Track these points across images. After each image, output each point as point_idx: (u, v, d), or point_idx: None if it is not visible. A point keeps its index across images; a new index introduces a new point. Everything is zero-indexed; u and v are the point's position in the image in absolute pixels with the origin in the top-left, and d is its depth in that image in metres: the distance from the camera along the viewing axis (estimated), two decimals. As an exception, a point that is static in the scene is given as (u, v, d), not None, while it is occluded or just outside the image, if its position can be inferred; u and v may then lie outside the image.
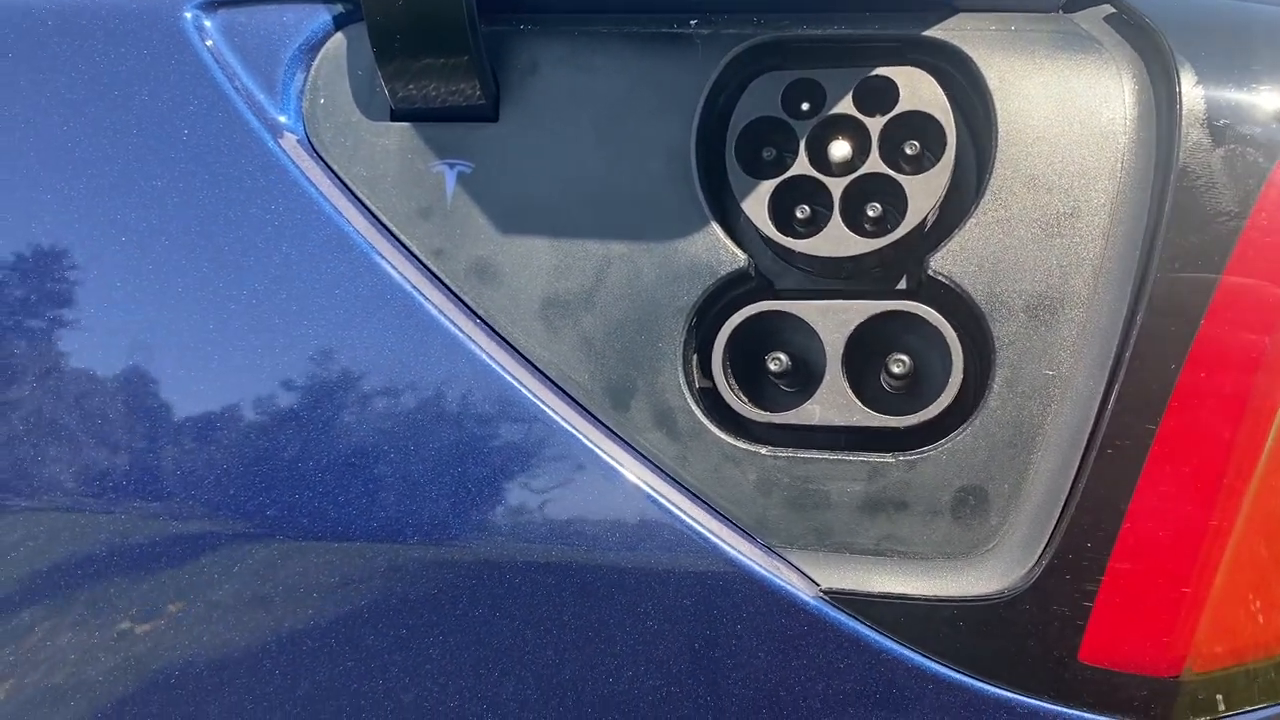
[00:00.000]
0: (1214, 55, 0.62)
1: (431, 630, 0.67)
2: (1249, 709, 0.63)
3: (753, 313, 0.67)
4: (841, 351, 0.65)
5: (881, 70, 0.65)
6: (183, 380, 0.71)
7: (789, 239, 0.66)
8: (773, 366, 0.67)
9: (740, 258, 0.67)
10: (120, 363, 0.72)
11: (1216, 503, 0.60)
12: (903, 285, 0.68)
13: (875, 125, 0.65)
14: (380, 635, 0.68)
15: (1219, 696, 0.62)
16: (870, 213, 0.66)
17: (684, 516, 0.65)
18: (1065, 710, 0.62)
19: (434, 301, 0.69)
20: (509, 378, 0.67)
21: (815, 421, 0.66)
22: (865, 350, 0.67)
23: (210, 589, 0.69)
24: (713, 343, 0.67)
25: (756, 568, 0.65)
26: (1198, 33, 0.63)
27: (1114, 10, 0.66)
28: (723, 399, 0.67)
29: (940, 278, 0.64)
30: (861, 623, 0.64)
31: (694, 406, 0.67)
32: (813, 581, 0.65)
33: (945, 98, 0.64)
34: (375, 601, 0.67)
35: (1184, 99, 0.61)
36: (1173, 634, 0.61)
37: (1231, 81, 0.61)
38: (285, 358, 0.70)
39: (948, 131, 0.64)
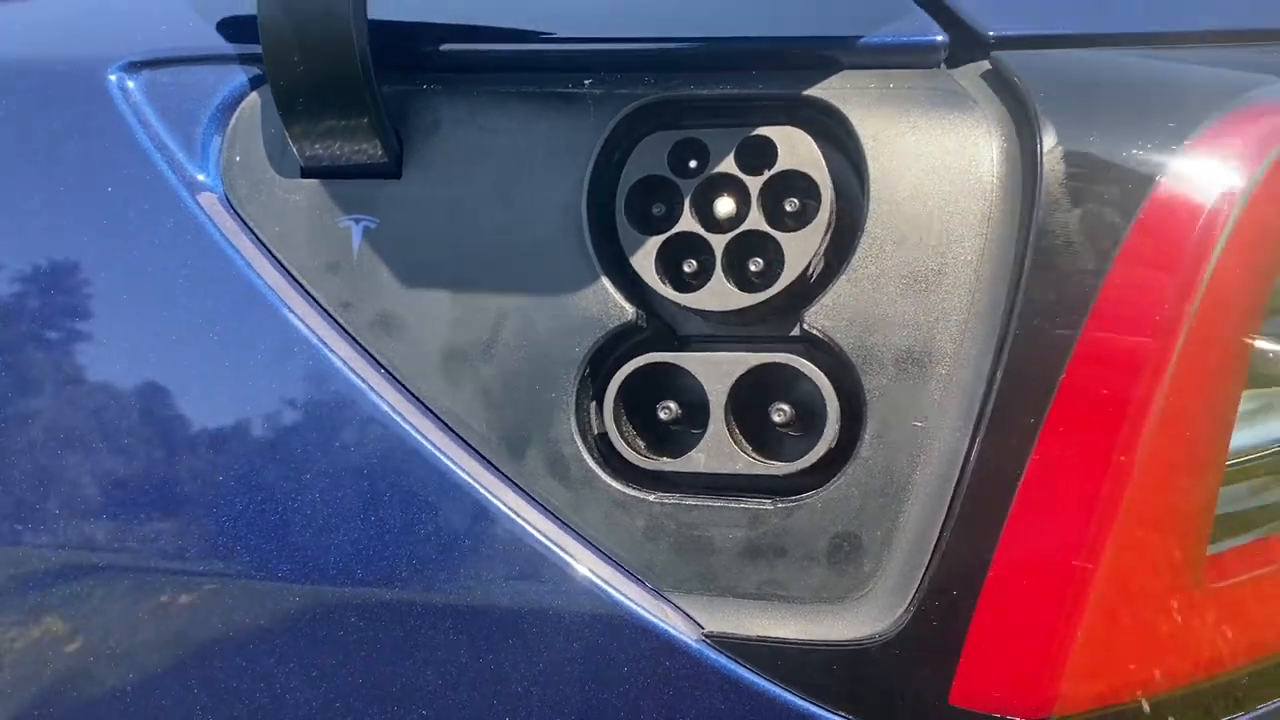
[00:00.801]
0: (1078, 112, 0.64)
1: (335, 671, 0.70)
2: (1115, 750, 0.64)
3: (642, 364, 0.69)
4: (724, 402, 0.67)
5: (761, 130, 0.67)
6: (100, 429, 0.74)
7: (675, 292, 0.68)
8: (663, 415, 0.69)
9: (629, 310, 0.69)
10: (40, 407, 0.75)
11: (1080, 549, 0.62)
12: (796, 333, 0.71)
13: (755, 184, 0.67)
14: (288, 675, 0.71)
15: (1086, 738, 0.64)
16: (753, 267, 0.68)
17: (574, 562, 0.68)
18: (938, 751, 0.64)
19: (339, 353, 0.72)
20: (408, 427, 0.70)
21: (700, 469, 0.68)
22: (756, 397, 0.69)
23: (108, 624, 0.72)
24: (605, 392, 0.70)
25: (643, 612, 0.67)
26: (1065, 89, 0.65)
27: (991, 67, 0.68)
28: (615, 446, 0.70)
29: (814, 331, 0.66)
30: (742, 665, 0.66)
31: (586, 454, 0.69)
32: (697, 624, 0.67)
33: (820, 156, 0.67)
34: (277, 643, 0.70)
35: (1044, 158, 0.62)
36: (1039, 678, 0.63)
37: (1092, 140, 0.63)
38: (201, 406, 0.73)
39: (822, 189, 0.66)
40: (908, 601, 0.64)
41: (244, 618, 0.72)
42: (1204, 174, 0.62)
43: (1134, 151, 0.63)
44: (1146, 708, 0.65)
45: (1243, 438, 0.66)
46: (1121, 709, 0.65)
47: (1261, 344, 0.65)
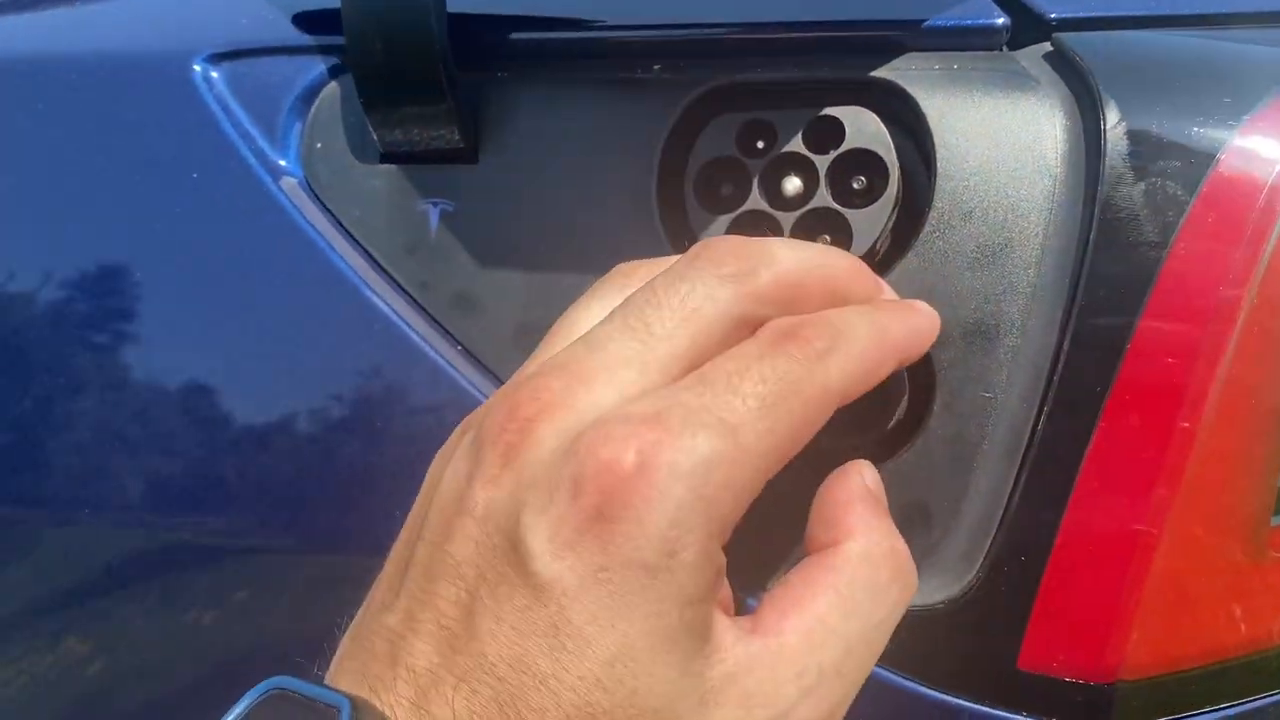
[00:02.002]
0: (1139, 91, 0.65)
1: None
2: (1180, 714, 0.66)
3: (712, 339, 0.71)
4: (794, 375, 0.69)
5: (829, 110, 0.69)
6: (193, 408, 0.77)
7: (745, 270, 0.70)
8: (732, 389, 0.71)
9: (699, 288, 0.71)
10: (134, 390, 0.78)
11: (1145, 517, 0.63)
12: (860, 310, 0.72)
13: (823, 162, 0.69)
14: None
15: (1151, 702, 0.65)
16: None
17: (648, 530, 0.70)
18: (1006, 714, 0.66)
19: (419, 331, 0.74)
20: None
21: (771, 441, 0.70)
22: (822, 373, 0.71)
23: (206, 597, 0.75)
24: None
25: (715, 578, 0.69)
26: (1126, 70, 0.66)
27: (1052, 49, 0.70)
28: (685, 420, 0.72)
29: (883, 306, 0.68)
30: (813, 630, 0.67)
31: (658, 427, 0.71)
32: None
33: (888, 135, 0.68)
34: (351, 616, 0.73)
35: (1108, 135, 0.64)
36: (1105, 642, 0.64)
37: (1154, 117, 0.64)
38: (285, 384, 0.76)
39: (890, 167, 0.68)
40: (976, 568, 0.66)
41: (319, 593, 0.74)
42: (1265, 148, 0.64)
43: (1195, 128, 0.64)
44: (1211, 674, 0.67)
45: (1305, 408, 0.67)
46: (1185, 675, 0.66)
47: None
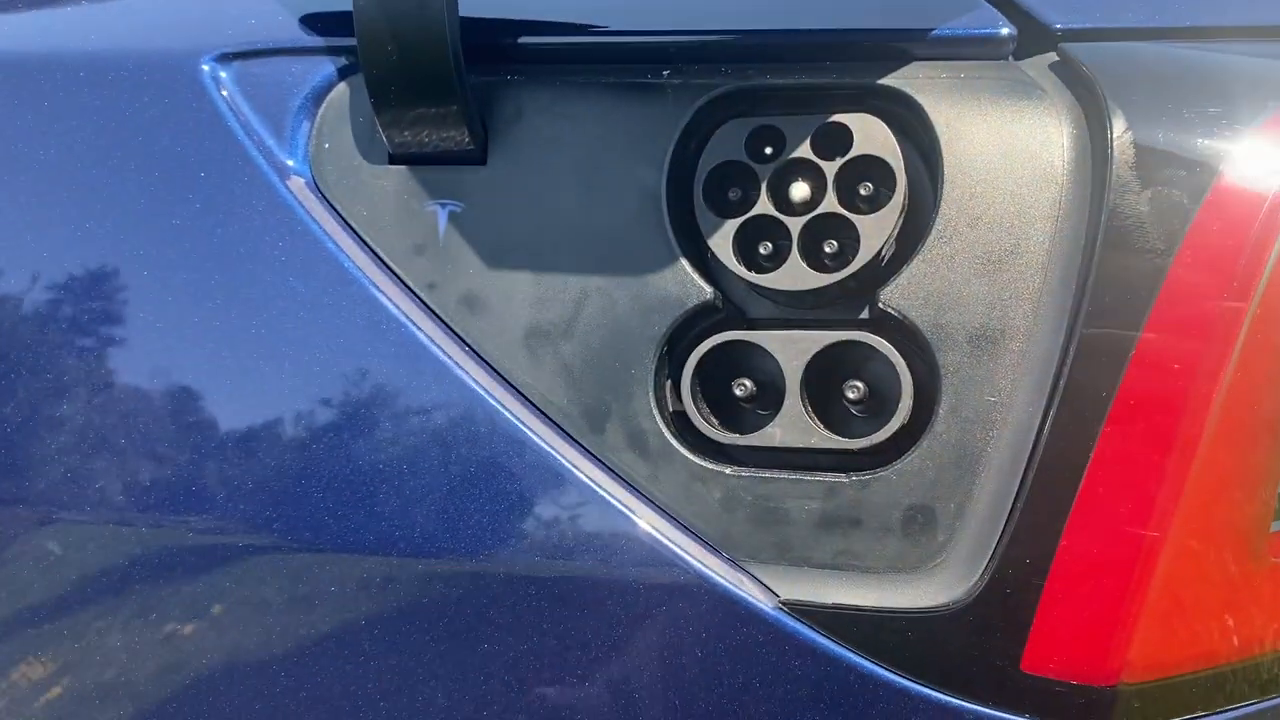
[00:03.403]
0: (1144, 102, 0.66)
1: (420, 636, 0.72)
2: (1182, 718, 0.66)
3: (719, 341, 0.72)
4: (800, 378, 0.70)
5: (837, 117, 0.70)
6: (201, 404, 0.77)
7: (752, 273, 0.71)
8: (738, 391, 0.72)
9: (707, 290, 0.72)
10: (142, 386, 0.78)
11: (1149, 521, 0.64)
12: (865, 315, 0.73)
13: (831, 168, 0.70)
14: (374, 642, 0.73)
15: (1153, 705, 0.66)
16: (827, 249, 0.70)
17: (654, 531, 0.70)
18: (1009, 716, 0.67)
19: (427, 331, 0.75)
20: (494, 402, 0.73)
21: (776, 443, 0.70)
22: (828, 375, 0.71)
23: (213, 597, 0.75)
24: (683, 369, 0.72)
25: (721, 580, 0.69)
26: (1131, 80, 0.67)
27: (1058, 58, 0.70)
28: (691, 422, 0.72)
29: (890, 310, 0.68)
30: (818, 632, 0.68)
31: (664, 429, 0.72)
32: (773, 593, 0.69)
33: (895, 142, 0.69)
34: (369, 610, 0.73)
35: (1114, 143, 0.65)
36: (1108, 645, 0.65)
37: (1159, 126, 0.65)
38: (292, 383, 0.76)
39: (897, 174, 0.69)
40: (981, 571, 0.66)
41: (330, 589, 0.74)
42: (1268, 159, 0.65)
43: (1199, 139, 0.65)
44: (1211, 678, 0.67)
45: (1305, 416, 0.68)
46: (1186, 678, 0.67)
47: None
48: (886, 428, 0.68)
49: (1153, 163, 0.65)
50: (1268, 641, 0.69)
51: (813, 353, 0.70)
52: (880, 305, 0.69)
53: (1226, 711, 0.68)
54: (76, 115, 0.82)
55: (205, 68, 0.81)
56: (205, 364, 0.77)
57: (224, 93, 0.80)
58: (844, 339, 0.69)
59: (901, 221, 0.69)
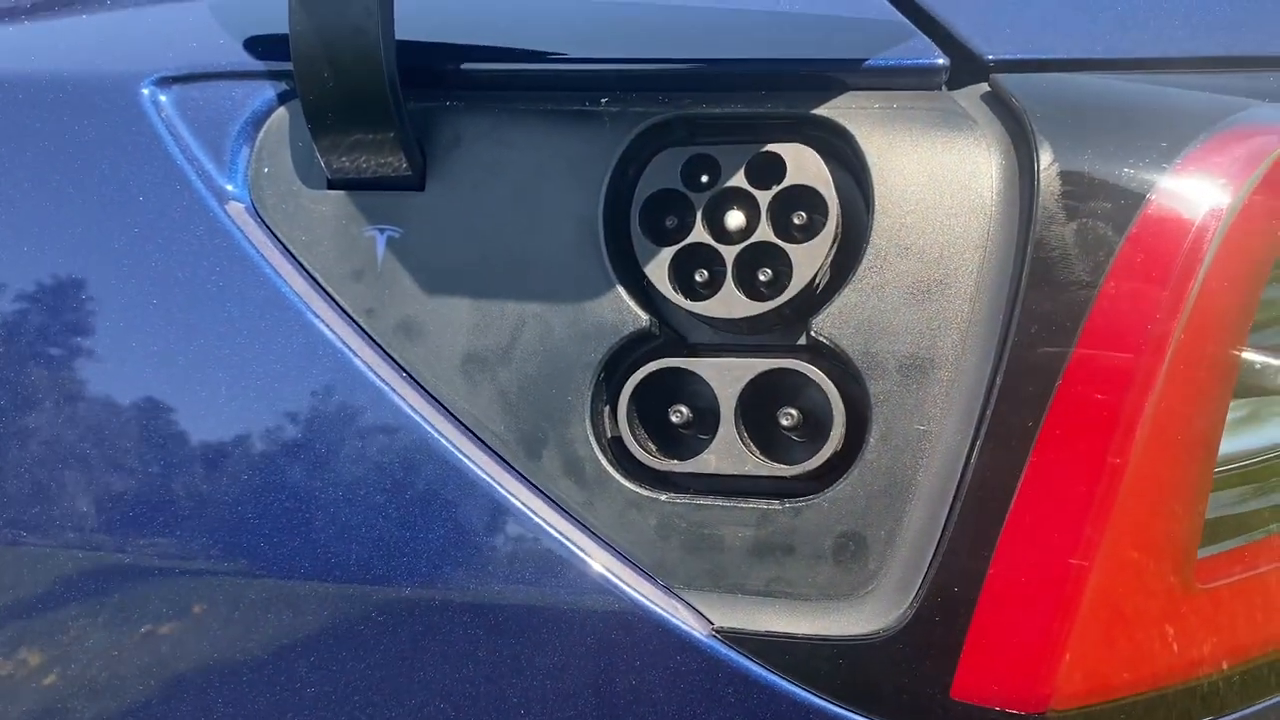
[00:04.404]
0: (1072, 132, 0.67)
1: (355, 664, 0.72)
2: (1109, 743, 0.67)
3: (655, 368, 0.72)
4: (734, 405, 0.70)
5: (770, 147, 0.71)
6: (136, 427, 0.77)
7: (687, 301, 0.71)
8: (674, 418, 0.72)
9: (643, 318, 0.72)
10: (77, 408, 0.78)
11: (1076, 549, 0.65)
12: (800, 342, 0.73)
13: (765, 197, 0.70)
14: (309, 669, 0.73)
15: (1081, 731, 0.66)
16: (762, 277, 0.71)
17: (589, 559, 0.71)
18: (940, 743, 0.67)
19: (364, 357, 0.75)
20: (430, 429, 0.73)
21: (711, 470, 0.71)
22: (763, 402, 0.72)
23: (142, 621, 0.75)
24: (619, 396, 0.72)
25: (655, 607, 0.69)
26: (1060, 111, 0.68)
27: (989, 89, 0.71)
28: (628, 448, 0.72)
29: (822, 338, 0.69)
30: (751, 659, 0.68)
31: (600, 456, 0.72)
32: (707, 620, 0.69)
33: (828, 172, 0.70)
34: (302, 637, 0.73)
35: (1041, 174, 0.66)
36: (1037, 672, 0.65)
37: (1086, 158, 0.66)
38: (228, 408, 0.76)
39: (829, 203, 0.69)
40: (911, 598, 0.66)
41: (265, 615, 0.74)
42: (1192, 191, 0.66)
43: (1126, 170, 0.66)
44: (1140, 704, 0.68)
45: (1231, 444, 0.69)
46: (1116, 704, 0.67)
47: (1249, 354, 0.68)
48: (819, 455, 0.69)
49: (1079, 194, 0.65)
50: (1197, 668, 0.70)
51: (747, 380, 0.70)
52: (813, 333, 0.69)
53: (1156, 736, 0.69)
54: (14, 137, 0.82)
55: (145, 91, 0.80)
56: (141, 388, 0.77)
57: (163, 116, 0.80)
58: (778, 366, 0.70)
59: (834, 250, 0.70)
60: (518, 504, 0.72)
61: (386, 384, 0.74)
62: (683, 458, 0.72)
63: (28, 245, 0.80)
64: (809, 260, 0.69)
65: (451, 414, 0.74)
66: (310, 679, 0.73)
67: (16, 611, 0.80)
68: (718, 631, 0.69)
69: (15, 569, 0.79)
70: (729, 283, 0.71)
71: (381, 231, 0.76)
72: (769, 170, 0.71)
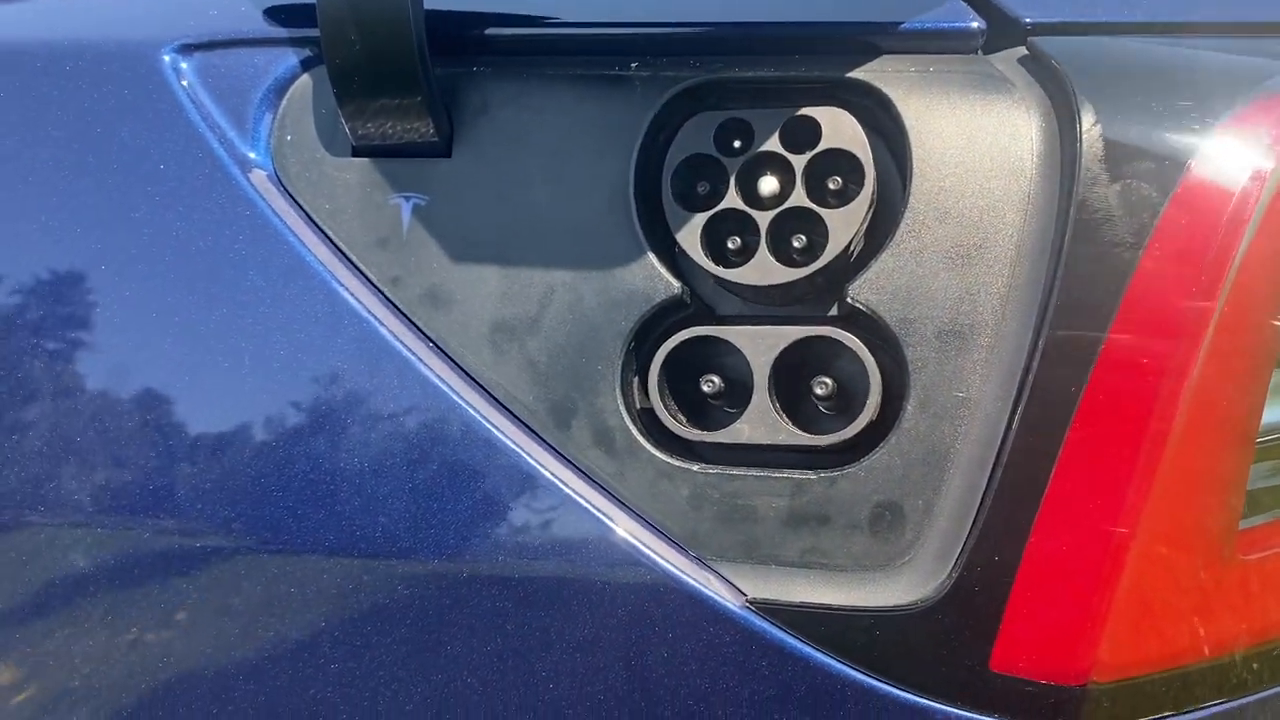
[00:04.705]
0: (1114, 96, 0.65)
1: (383, 638, 0.71)
2: (1150, 718, 0.66)
3: (686, 337, 0.71)
4: (768, 374, 0.69)
5: (806, 110, 0.69)
6: (156, 400, 0.76)
7: (720, 268, 0.70)
8: (706, 388, 0.71)
9: (675, 285, 0.71)
10: (100, 382, 0.77)
11: (1118, 518, 0.64)
12: (834, 310, 0.72)
13: (800, 162, 0.69)
14: (335, 644, 0.72)
15: (1122, 705, 0.65)
16: (796, 243, 0.70)
17: (621, 530, 0.69)
18: (978, 717, 0.66)
19: (389, 327, 0.73)
20: (458, 399, 0.72)
21: (744, 440, 0.69)
22: (796, 371, 0.71)
23: (172, 599, 0.74)
24: (650, 365, 0.71)
25: (687, 579, 0.68)
26: (1101, 74, 0.67)
27: (1027, 53, 0.70)
28: (659, 419, 0.71)
29: (858, 305, 0.68)
30: (785, 631, 0.67)
31: (631, 426, 0.70)
32: (740, 591, 0.68)
33: (864, 135, 0.68)
34: (330, 613, 0.72)
35: (1084, 137, 0.64)
36: (1077, 645, 0.64)
37: (1129, 121, 0.65)
38: (252, 379, 0.75)
39: (865, 167, 0.68)
40: (949, 569, 0.65)
41: (289, 589, 0.73)
42: (1236, 153, 0.64)
43: (1168, 133, 0.65)
44: (1180, 676, 0.67)
45: (1275, 413, 0.68)
46: (1156, 678, 0.66)
47: (1293, 322, 0.67)
48: (854, 424, 0.68)
49: (1122, 157, 0.64)
50: (1237, 641, 0.69)
51: (780, 348, 0.69)
52: (849, 300, 0.68)
53: (1195, 711, 0.68)
54: (35, 106, 0.80)
55: (166, 59, 0.79)
56: (164, 359, 0.76)
57: (185, 84, 0.79)
58: (812, 334, 0.69)
59: (870, 215, 0.69)
60: (547, 475, 0.70)
61: (413, 354, 0.73)
62: (713, 428, 0.71)
63: (48, 215, 0.79)
64: (845, 226, 0.68)
65: (479, 384, 0.72)
66: (335, 654, 0.72)
67: (39, 587, 0.79)
68: (751, 603, 0.68)
69: (59, 541, 0.78)
70: (763, 249, 0.69)
71: (407, 199, 0.75)
72: (803, 134, 0.69)
